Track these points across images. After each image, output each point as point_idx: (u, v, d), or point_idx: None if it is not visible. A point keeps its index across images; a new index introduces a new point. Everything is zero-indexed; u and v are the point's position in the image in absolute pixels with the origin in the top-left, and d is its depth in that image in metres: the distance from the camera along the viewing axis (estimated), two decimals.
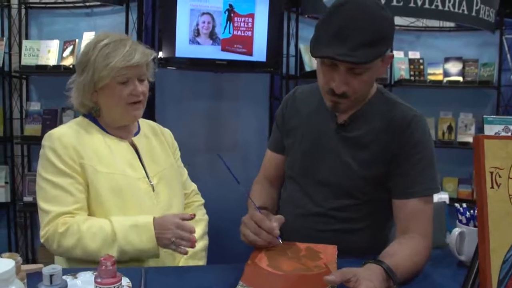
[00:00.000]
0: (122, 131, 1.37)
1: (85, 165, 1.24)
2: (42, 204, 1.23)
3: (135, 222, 1.19)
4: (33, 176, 2.72)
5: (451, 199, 2.60)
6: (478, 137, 0.78)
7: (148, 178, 1.33)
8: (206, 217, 1.52)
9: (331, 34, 1.06)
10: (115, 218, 1.21)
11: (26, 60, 2.65)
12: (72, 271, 1.03)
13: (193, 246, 1.19)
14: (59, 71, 2.60)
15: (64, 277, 0.81)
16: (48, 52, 2.67)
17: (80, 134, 1.29)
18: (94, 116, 1.35)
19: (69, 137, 1.26)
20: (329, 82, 1.13)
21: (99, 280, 0.80)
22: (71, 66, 2.58)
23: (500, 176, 0.78)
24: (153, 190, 1.32)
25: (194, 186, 1.57)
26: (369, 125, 1.22)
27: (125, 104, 1.29)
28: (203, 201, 1.57)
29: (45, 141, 1.27)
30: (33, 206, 2.68)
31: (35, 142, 2.70)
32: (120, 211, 1.24)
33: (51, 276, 0.76)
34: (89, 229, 1.18)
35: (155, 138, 1.46)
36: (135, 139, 1.39)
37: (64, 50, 2.66)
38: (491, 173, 0.77)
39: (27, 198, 2.71)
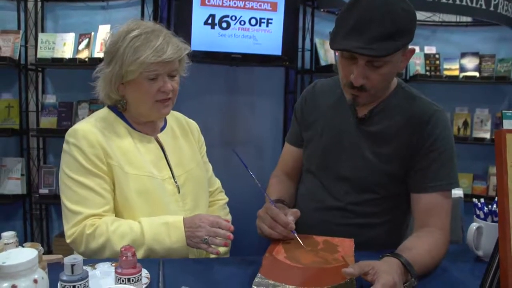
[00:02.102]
0: (148, 126, 1.31)
1: (113, 165, 1.19)
2: (69, 204, 1.18)
3: (165, 220, 1.17)
4: (49, 168, 2.78)
5: (466, 195, 2.56)
6: (501, 131, 0.78)
7: (174, 178, 1.29)
8: (229, 216, 1.48)
9: (349, 27, 1.06)
10: (144, 219, 1.18)
11: (42, 53, 2.67)
12: (90, 262, 1.04)
13: (226, 245, 1.15)
14: (74, 64, 2.62)
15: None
16: (64, 45, 2.69)
17: (106, 132, 1.23)
18: (119, 110, 1.29)
19: (96, 135, 1.20)
20: (348, 75, 1.12)
21: (119, 270, 0.81)
22: (86, 59, 2.60)
23: None
24: (179, 191, 1.29)
25: (218, 183, 1.54)
26: (390, 120, 1.21)
27: (152, 101, 1.22)
28: (227, 199, 1.52)
29: (69, 138, 1.21)
30: (49, 198, 2.75)
31: (51, 134, 2.73)
32: (146, 212, 1.21)
33: (72, 266, 0.77)
34: (117, 229, 1.14)
35: (182, 133, 1.41)
36: (161, 136, 1.33)
37: (79, 43, 2.68)
38: None
39: (43, 191, 2.75)
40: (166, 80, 1.22)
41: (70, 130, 1.22)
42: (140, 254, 1.13)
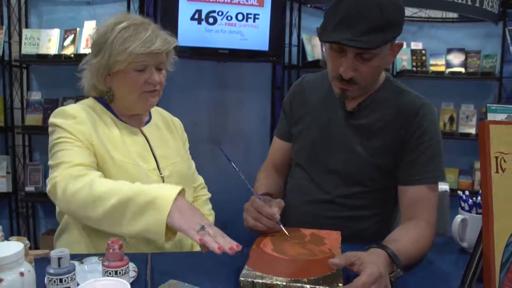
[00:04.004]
0: (134, 119, 1.31)
1: (99, 148, 1.17)
2: (56, 161, 1.12)
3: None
4: (35, 166, 2.75)
5: (451, 189, 2.59)
6: (484, 122, 0.79)
7: (159, 170, 1.27)
8: (212, 212, 1.47)
9: (338, 20, 1.06)
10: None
11: (27, 49, 2.64)
12: (78, 257, 1.03)
13: (220, 249, 0.91)
14: (60, 60, 2.59)
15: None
16: (49, 41, 2.66)
17: (93, 118, 1.21)
18: (106, 102, 1.28)
19: (83, 116, 1.18)
20: (337, 68, 1.13)
21: (106, 263, 0.81)
22: (72, 55, 2.58)
23: (505, 161, 0.78)
24: (164, 183, 1.26)
25: (201, 180, 1.53)
26: (378, 113, 1.23)
27: (139, 92, 1.22)
28: (209, 195, 1.52)
29: (56, 118, 1.18)
30: (35, 196, 2.72)
31: (37, 132, 2.70)
32: None
33: (59, 259, 0.76)
34: (104, 179, 1.08)
35: (166, 128, 1.41)
36: (146, 129, 1.33)
37: (65, 39, 2.66)
38: (496, 158, 0.78)
39: (29, 188, 2.72)
40: (154, 72, 1.22)
41: (56, 111, 1.20)
42: (114, 199, 1.00)
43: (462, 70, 3.15)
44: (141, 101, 1.25)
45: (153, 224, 0.96)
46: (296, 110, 1.37)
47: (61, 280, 0.76)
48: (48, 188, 1.11)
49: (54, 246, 1.31)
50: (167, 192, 0.99)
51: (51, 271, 0.76)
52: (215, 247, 0.90)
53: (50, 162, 1.16)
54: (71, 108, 1.21)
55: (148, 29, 1.20)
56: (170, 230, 0.98)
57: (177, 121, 1.50)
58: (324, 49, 2.91)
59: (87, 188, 1.04)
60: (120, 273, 0.80)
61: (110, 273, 0.80)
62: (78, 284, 0.77)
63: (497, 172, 0.77)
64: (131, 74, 1.20)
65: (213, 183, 1.58)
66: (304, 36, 2.92)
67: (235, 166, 1.11)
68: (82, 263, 1.01)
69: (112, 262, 0.80)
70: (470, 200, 1.22)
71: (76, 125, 1.16)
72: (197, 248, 1.33)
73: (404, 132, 1.19)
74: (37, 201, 2.83)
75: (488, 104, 1.51)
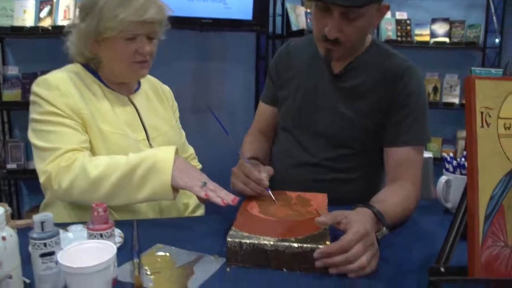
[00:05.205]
0: (122, 87, 1.25)
1: (87, 119, 1.12)
2: (45, 144, 1.08)
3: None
4: (15, 143, 2.69)
5: (435, 158, 2.63)
6: (470, 77, 0.78)
7: (148, 140, 1.24)
8: None
9: None
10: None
11: (0, 21, 2.54)
12: (62, 225, 1.02)
13: (224, 203, 1.01)
14: (36, 33, 2.50)
15: None
16: (24, 13, 2.56)
17: (79, 85, 1.15)
18: (93, 69, 1.22)
19: (68, 85, 1.12)
20: (323, 28, 1.11)
21: (91, 226, 0.80)
22: (49, 28, 2.50)
23: (490, 116, 0.78)
24: None
25: (191, 150, 1.51)
26: (365, 76, 1.22)
27: (128, 62, 1.17)
28: (200, 166, 1.50)
29: (39, 88, 1.12)
30: (17, 173, 2.67)
31: (16, 108, 2.64)
32: None
33: (42, 223, 0.75)
34: (95, 160, 1.07)
35: (156, 96, 1.37)
36: (135, 97, 1.28)
37: (40, 10, 2.56)
38: (482, 113, 0.78)
39: (11, 166, 2.66)
40: (145, 41, 1.17)
41: (39, 79, 1.14)
42: (114, 177, 1.04)
43: (447, 40, 3.16)
44: (131, 71, 1.20)
45: (159, 189, 1.04)
46: (282, 74, 1.35)
47: (45, 245, 0.74)
48: (41, 180, 1.09)
49: None
50: (165, 155, 1.05)
51: (34, 235, 0.74)
52: (219, 201, 1.01)
53: (36, 142, 1.10)
54: (55, 77, 1.14)
55: None
56: (174, 189, 1.05)
57: (167, 89, 1.46)
58: (309, 19, 2.88)
59: (82, 174, 1.05)
60: (105, 235, 0.79)
61: (95, 236, 0.78)
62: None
63: (482, 126, 0.78)
64: (121, 42, 1.14)
65: (197, 152, 1.56)
66: (288, 5, 2.88)
67: (225, 128, 1.10)
68: (66, 231, 1.00)
69: (97, 225, 0.79)
70: (455, 161, 1.23)
71: (62, 97, 1.11)
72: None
73: (391, 94, 1.19)
74: (20, 178, 2.78)
75: (472, 68, 1.51)
